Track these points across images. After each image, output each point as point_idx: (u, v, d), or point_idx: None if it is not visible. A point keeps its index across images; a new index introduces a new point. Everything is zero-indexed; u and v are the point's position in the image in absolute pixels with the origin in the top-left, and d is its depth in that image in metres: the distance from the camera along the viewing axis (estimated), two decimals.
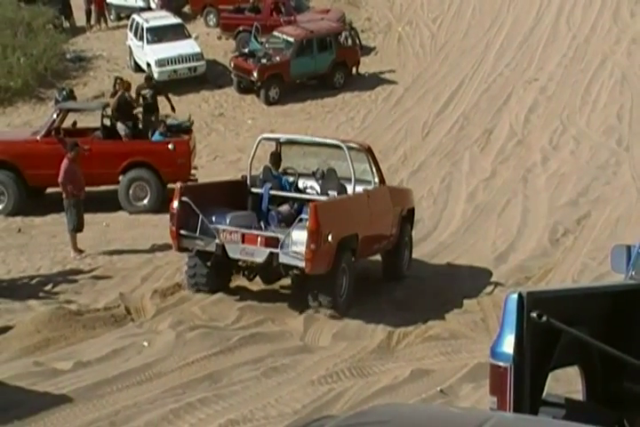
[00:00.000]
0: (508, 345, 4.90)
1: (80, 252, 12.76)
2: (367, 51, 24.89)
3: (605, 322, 5.44)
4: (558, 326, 4.81)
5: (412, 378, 8.54)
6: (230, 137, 20.79)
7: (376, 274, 12.03)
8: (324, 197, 11.14)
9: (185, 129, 16.34)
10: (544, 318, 4.74)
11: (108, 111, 15.78)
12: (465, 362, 8.95)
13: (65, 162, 12.74)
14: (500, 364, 4.90)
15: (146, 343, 9.25)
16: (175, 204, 10.64)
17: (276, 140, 12.27)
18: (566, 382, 6.49)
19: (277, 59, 22.47)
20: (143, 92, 17.30)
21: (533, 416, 4.59)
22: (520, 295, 4.88)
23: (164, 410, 7.61)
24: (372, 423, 3.60)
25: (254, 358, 9.01)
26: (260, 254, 10.34)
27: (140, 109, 16.63)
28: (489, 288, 11.77)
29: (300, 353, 9.26)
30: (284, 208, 11.18)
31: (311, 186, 11.64)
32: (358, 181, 11.13)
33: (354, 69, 23.42)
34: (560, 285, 10.83)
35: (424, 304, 11.14)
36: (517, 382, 4.86)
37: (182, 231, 10.63)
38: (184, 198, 10.58)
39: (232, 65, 23.14)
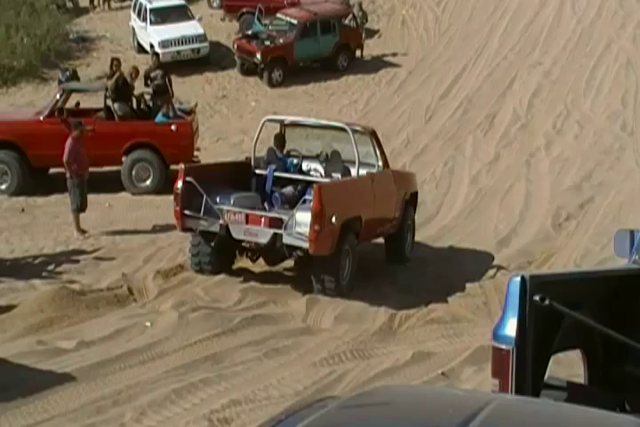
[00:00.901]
0: (511, 328, 4.91)
1: (83, 232, 12.78)
2: (371, 33, 24.79)
3: (608, 306, 5.46)
4: (561, 309, 4.83)
5: (413, 361, 8.57)
6: (233, 119, 20.75)
7: (378, 257, 12.05)
8: (327, 180, 11.14)
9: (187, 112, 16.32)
10: (547, 302, 4.75)
11: None
12: (466, 345, 8.98)
13: (69, 141, 12.74)
14: (503, 347, 4.91)
15: (148, 324, 9.28)
16: (179, 184, 10.65)
17: (281, 121, 12.26)
18: (567, 366, 6.54)
19: (281, 41, 22.39)
20: (152, 74, 17.23)
21: (536, 398, 4.62)
22: (523, 278, 4.89)
23: (166, 390, 7.65)
24: (374, 404, 3.62)
25: (256, 339, 9.04)
26: (263, 235, 10.36)
27: (150, 91, 16.54)
28: (491, 272, 11.79)
29: (301, 335, 9.30)
30: (288, 190, 11.19)
31: (315, 168, 11.64)
32: (362, 165, 11.13)
33: (358, 52, 23.36)
34: (563, 269, 10.85)
35: (426, 287, 11.17)
36: (519, 365, 4.88)
37: (186, 211, 10.64)
38: (188, 179, 10.59)
39: (235, 47, 23.05)
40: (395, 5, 26.36)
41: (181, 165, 10.93)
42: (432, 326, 9.77)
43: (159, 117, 15.53)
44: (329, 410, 3.51)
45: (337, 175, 11.24)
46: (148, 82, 16.96)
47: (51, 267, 11.42)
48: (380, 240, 12.10)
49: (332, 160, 11.46)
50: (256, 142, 11.66)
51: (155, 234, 12.90)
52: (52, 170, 15.12)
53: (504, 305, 5.05)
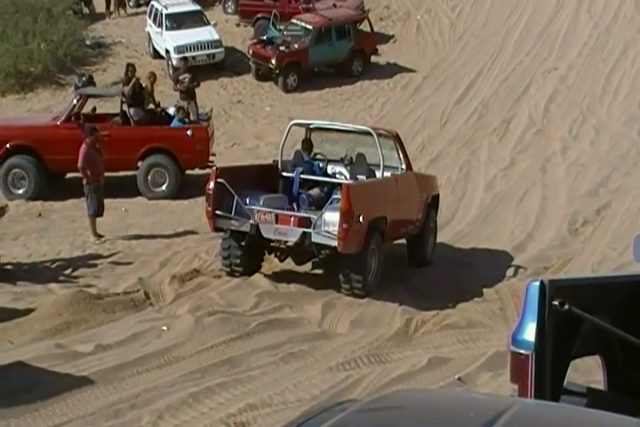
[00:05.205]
0: (530, 333, 4.88)
1: (99, 236, 12.84)
2: (386, 39, 24.82)
3: (627, 311, 5.43)
4: (580, 314, 4.80)
5: (429, 366, 8.55)
6: (248, 124, 20.81)
7: (393, 262, 12.04)
8: (353, 181, 11.31)
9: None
10: (566, 307, 4.72)
11: None
12: (483, 351, 8.96)
13: (84, 147, 12.81)
14: (522, 351, 4.89)
15: (165, 328, 9.31)
16: (211, 185, 10.84)
17: (307, 126, 12.42)
18: (586, 373, 6.50)
19: (296, 46, 22.44)
20: (181, 77, 17.32)
21: (555, 403, 4.60)
22: (542, 283, 4.87)
23: (183, 394, 7.66)
24: (395, 408, 3.61)
25: (272, 343, 9.05)
26: (293, 234, 10.57)
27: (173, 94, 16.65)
28: (507, 277, 11.77)
29: (317, 340, 9.30)
30: (315, 191, 11.45)
31: (340, 171, 11.88)
32: (386, 167, 11.34)
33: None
34: (581, 273, 10.80)
35: (442, 292, 11.16)
36: (539, 370, 4.85)
37: (218, 212, 10.79)
38: (220, 180, 10.77)
39: (250, 52, 23.12)
40: (410, 11, 26.38)
41: (214, 167, 11.12)
42: (448, 331, 9.75)
43: (175, 122, 15.60)
44: (348, 413, 3.51)
45: (362, 177, 11.46)
46: (177, 85, 17.13)
47: (68, 271, 11.48)
48: (396, 246, 12.12)
49: (357, 163, 11.71)
50: (283, 146, 11.82)
51: (170, 239, 12.94)
52: (69, 175, 15.20)
53: (522, 310, 5.02)
